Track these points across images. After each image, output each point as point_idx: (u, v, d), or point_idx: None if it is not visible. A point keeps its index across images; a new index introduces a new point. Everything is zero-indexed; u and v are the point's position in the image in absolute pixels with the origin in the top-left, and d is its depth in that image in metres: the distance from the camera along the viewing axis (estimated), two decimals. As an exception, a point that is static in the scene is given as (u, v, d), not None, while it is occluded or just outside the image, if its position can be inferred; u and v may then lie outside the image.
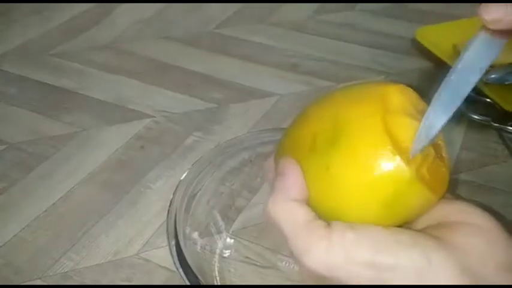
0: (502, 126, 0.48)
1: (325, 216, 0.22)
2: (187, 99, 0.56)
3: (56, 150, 0.49)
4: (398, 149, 0.21)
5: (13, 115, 0.54)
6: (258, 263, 0.37)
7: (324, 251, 0.20)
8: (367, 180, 0.21)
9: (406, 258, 0.20)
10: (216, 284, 0.34)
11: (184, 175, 0.34)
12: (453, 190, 0.35)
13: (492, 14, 0.20)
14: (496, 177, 0.45)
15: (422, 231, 0.22)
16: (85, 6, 0.75)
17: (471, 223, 0.21)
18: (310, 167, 0.23)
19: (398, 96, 0.23)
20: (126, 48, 0.66)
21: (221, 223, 0.38)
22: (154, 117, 0.53)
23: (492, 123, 0.48)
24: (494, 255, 0.20)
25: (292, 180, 0.23)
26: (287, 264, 0.37)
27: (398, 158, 0.21)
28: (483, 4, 0.21)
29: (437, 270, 0.19)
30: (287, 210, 0.22)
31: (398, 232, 0.21)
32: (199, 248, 0.35)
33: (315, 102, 0.26)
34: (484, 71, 0.22)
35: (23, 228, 0.41)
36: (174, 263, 0.29)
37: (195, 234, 0.34)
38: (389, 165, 0.21)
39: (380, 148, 0.21)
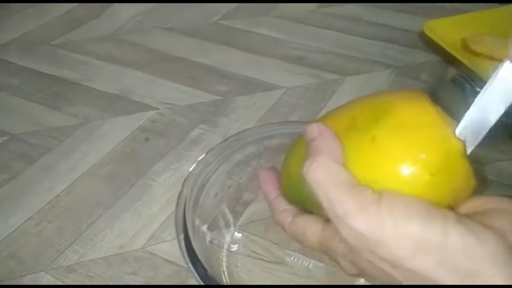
0: (512, 121, 0.47)
1: None
2: (192, 91, 0.55)
3: (58, 142, 0.48)
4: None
5: (15, 106, 0.53)
6: (265, 258, 0.37)
7: (373, 214, 0.20)
8: (417, 147, 0.21)
9: (455, 233, 0.19)
10: (224, 278, 0.33)
11: (193, 167, 0.33)
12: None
13: None
14: (506, 173, 0.44)
15: None
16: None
17: (502, 208, 0.22)
18: (349, 144, 0.23)
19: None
20: (129, 39, 0.65)
21: (229, 216, 0.38)
22: (159, 109, 0.52)
23: (503, 119, 0.47)
24: None
25: (330, 142, 0.23)
26: (295, 260, 0.36)
27: (449, 129, 0.21)
28: None
29: (483, 247, 0.19)
30: (331, 172, 0.22)
31: (444, 209, 0.21)
32: (208, 241, 0.34)
33: (340, 105, 0.26)
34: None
35: (26, 220, 0.40)
36: (183, 255, 0.29)
37: (204, 227, 0.34)
38: (442, 134, 0.21)
39: (432, 120, 0.22)
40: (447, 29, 0.60)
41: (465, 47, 0.57)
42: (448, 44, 0.58)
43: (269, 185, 0.28)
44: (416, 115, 0.22)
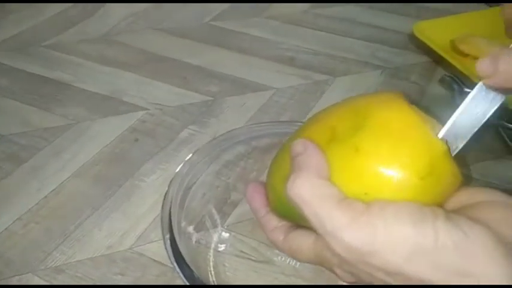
0: (499, 122, 0.47)
1: None
2: (182, 92, 0.55)
3: (48, 142, 0.48)
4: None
5: (5, 107, 0.53)
6: (252, 258, 0.37)
7: (364, 224, 0.20)
8: (403, 153, 0.21)
9: (444, 230, 0.19)
10: (211, 277, 0.33)
11: (179, 167, 0.34)
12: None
13: (484, 69, 0.21)
14: (492, 172, 0.45)
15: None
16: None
17: (491, 200, 0.22)
18: (333, 156, 0.22)
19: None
20: (120, 40, 0.65)
21: (216, 217, 0.38)
22: (149, 109, 0.52)
23: (497, 122, 0.47)
24: None
25: (314, 157, 0.22)
26: (282, 259, 0.36)
27: (433, 132, 0.21)
28: (480, 59, 0.21)
29: (474, 243, 0.19)
30: (316, 188, 0.21)
31: (433, 207, 0.21)
32: (194, 242, 0.34)
33: (318, 112, 0.26)
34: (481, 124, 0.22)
35: (14, 221, 0.40)
36: (169, 257, 0.29)
37: (190, 228, 0.34)
38: (426, 137, 0.21)
39: (414, 123, 0.21)
40: (436, 30, 0.61)
41: (454, 48, 0.58)
42: (437, 45, 0.59)
43: (257, 202, 0.27)
44: (396, 119, 0.22)
